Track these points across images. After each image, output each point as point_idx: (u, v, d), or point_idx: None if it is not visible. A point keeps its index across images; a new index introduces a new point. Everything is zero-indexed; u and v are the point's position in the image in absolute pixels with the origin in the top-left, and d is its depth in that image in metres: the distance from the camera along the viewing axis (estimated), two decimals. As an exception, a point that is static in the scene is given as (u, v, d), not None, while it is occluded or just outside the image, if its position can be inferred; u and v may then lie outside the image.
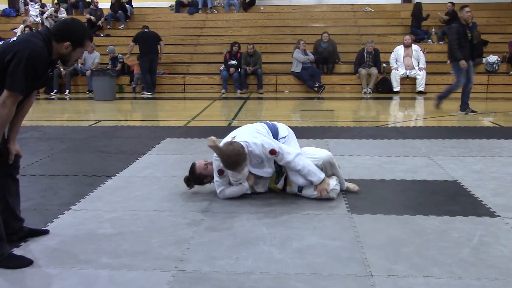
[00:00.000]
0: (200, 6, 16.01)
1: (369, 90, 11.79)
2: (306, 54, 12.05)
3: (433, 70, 12.22)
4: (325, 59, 12.50)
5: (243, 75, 12.10)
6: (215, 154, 3.71)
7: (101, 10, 15.11)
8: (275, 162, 3.75)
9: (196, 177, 3.91)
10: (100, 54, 12.64)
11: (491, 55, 12.43)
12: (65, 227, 3.26)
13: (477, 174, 4.48)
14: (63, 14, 14.88)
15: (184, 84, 12.72)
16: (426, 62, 11.93)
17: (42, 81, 2.76)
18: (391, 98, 11.03)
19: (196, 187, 3.98)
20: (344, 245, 2.94)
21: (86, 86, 12.49)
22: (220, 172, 3.78)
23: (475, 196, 3.86)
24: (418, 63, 11.80)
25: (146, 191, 4.05)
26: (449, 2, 13.87)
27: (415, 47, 11.99)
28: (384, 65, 12.22)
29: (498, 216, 3.42)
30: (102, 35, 14.83)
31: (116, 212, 3.54)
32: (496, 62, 12.32)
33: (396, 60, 11.88)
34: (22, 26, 13.38)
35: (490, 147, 5.57)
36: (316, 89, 11.87)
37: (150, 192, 4.01)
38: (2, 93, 2.54)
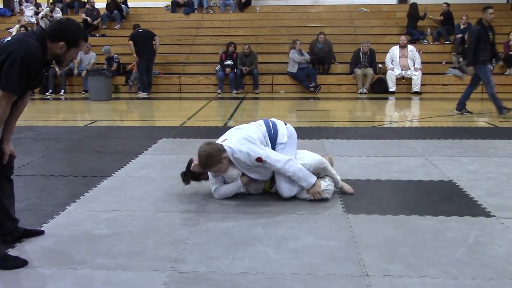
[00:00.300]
0: (195, 6, 15.99)
1: (364, 90, 11.81)
2: (302, 54, 12.06)
3: (428, 70, 12.27)
4: (321, 59, 12.52)
5: (239, 75, 12.10)
6: None
7: (97, 10, 15.07)
8: None
9: (192, 173, 3.88)
10: (96, 54, 12.61)
11: (486, 56, 12.46)
12: (60, 228, 3.25)
13: (472, 174, 4.50)
14: (58, 14, 14.84)
15: (180, 84, 12.72)
16: (422, 62, 11.98)
17: (36, 81, 2.75)
18: (386, 99, 11.05)
19: (193, 184, 3.96)
20: (340, 245, 2.94)
21: (81, 86, 12.46)
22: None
23: (470, 196, 3.87)
24: (414, 63, 11.84)
25: (141, 191, 4.04)
26: (444, 3, 13.93)
27: (410, 47, 12.02)
28: (380, 65, 12.26)
29: (493, 216, 3.43)
30: (97, 35, 14.80)
31: (111, 213, 3.53)
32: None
33: (392, 61, 11.92)
34: (17, 26, 13.33)
35: (485, 147, 5.59)
36: (312, 89, 11.88)
37: (145, 193, 4.00)
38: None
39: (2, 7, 16.81)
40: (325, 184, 3.75)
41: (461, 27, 13.08)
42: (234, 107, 9.63)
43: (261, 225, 3.28)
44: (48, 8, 14.92)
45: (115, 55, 12.67)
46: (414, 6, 13.95)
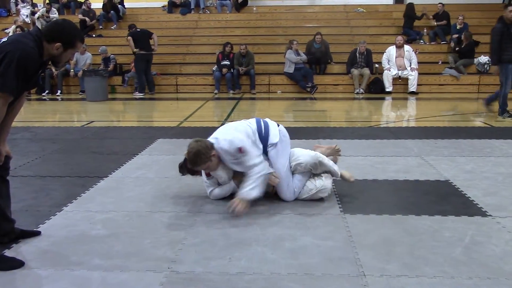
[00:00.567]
0: (192, 6, 15.97)
1: (361, 90, 11.82)
2: (298, 54, 12.07)
3: (425, 70, 12.29)
4: (317, 59, 12.53)
5: (236, 76, 12.10)
6: None
7: (93, 11, 15.04)
8: None
9: (189, 168, 3.84)
10: (92, 54, 12.58)
11: (482, 56, 12.50)
12: (57, 229, 3.24)
13: (469, 174, 4.51)
14: (54, 15, 14.80)
15: (177, 85, 12.70)
16: (418, 62, 12.00)
17: (32, 82, 2.75)
18: (383, 99, 11.06)
19: (191, 185, 3.94)
20: (337, 245, 2.94)
21: (78, 86, 12.42)
22: (208, 174, 3.76)
23: (466, 196, 3.89)
24: (410, 63, 11.86)
25: (138, 192, 4.04)
26: (439, 3, 13.96)
27: (407, 47, 12.04)
28: (376, 65, 12.27)
29: (490, 215, 3.44)
30: (94, 35, 14.76)
31: (108, 213, 3.52)
32: (487, 62, 12.37)
33: (388, 61, 11.93)
34: (13, 26, 13.29)
35: (482, 147, 5.61)
36: (308, 89, 11.88)
37: (142, 193, 4.00)
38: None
39: (-2, 8, 16.77)
40: (321, 184, 3.74)
41: (457, 27, 13.11)
42: (231, 108, 9.63)
43: (258, 225, 3.28)
44: (45, 8, 14.87)
45: (112, 55, 12.64)
46: (410, 6, 13.98)
